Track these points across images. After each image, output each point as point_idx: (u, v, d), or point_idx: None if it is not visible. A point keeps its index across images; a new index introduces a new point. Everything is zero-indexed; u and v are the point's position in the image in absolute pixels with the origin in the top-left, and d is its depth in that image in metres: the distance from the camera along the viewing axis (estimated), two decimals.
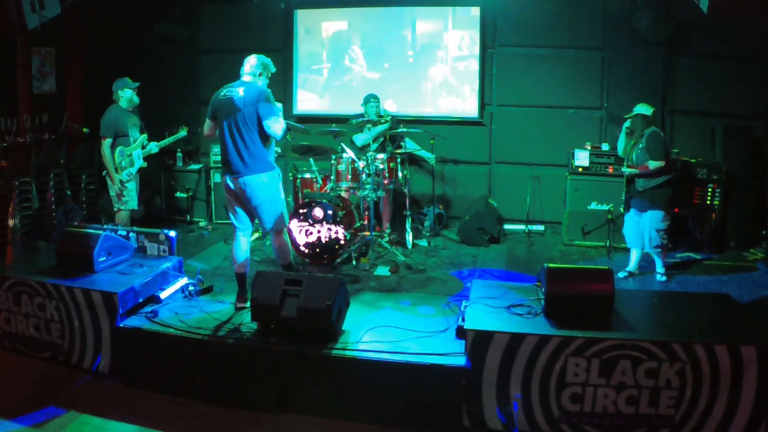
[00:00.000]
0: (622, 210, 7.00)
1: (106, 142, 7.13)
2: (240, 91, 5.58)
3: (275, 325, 4.93)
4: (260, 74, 5.79)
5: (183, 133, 7.95)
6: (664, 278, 6.80)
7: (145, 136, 7.44)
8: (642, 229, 6.79)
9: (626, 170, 6.79)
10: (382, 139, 8.29)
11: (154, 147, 7.48)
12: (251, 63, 5.79)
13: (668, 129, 8.53)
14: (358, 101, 8.51)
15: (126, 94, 7.28)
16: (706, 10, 7.19)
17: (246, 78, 5.72)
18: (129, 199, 7.31)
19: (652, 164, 6.52)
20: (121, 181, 7.17)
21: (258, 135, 5.54)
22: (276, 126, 5.53)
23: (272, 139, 5.68)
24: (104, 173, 7.31)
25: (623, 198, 6.95)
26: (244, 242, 5.80)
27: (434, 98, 9.32)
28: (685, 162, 7.88)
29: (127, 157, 7.22)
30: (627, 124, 6.81)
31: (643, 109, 6.67)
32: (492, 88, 9.17)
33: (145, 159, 7.41)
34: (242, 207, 5.70)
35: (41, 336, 5.46)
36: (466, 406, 4.47)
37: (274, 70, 5.97)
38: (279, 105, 5.73)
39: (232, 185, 5.60)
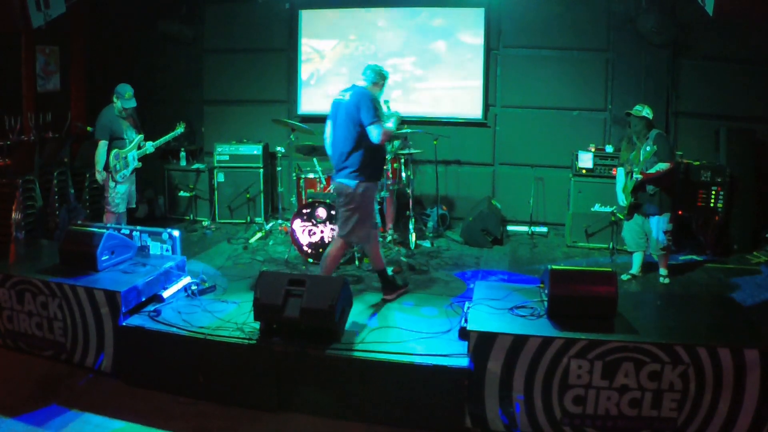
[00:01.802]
0: (622, 216, 6.91)
1: (102, 144, 7.14)
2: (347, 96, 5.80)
3: (278, 325, 4.92)
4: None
5: (180, 129, 7.90)
6: (667, 280, 6.79)
7: (141, 136, 7.43)
8: (647, 232, 6.76)
9: (637, 176, 6.57)
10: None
11: (149, 147, 7.46)
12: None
13: (672, 131, 8.51)
14: None
15: (116, 105, 7.21)
16: (711, 12, 7.17)
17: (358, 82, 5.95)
18: (120, 202, 7.31)
19: (660, 166, 6.49)
20: (114, 181, 7.19)
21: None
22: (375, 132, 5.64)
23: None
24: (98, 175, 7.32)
25: (626, 204, 6.80)
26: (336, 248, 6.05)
27: (438, 99, 9.31)
28: (689, 164, 7.87)
29: (122, 159, 7.21)
30: (625, 152, 6.76)
31: (646, 111, 6.65)
32: (496, 89, 9.16)
33: (144, 159, 7.41)
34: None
35: (44, 334, 5.47)
36: (468, 407, 4.47)
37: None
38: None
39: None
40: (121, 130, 7.25)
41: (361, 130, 5.66)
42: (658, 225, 6.65)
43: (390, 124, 5.78)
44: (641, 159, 6.56)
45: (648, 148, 6.52)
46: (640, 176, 6.55)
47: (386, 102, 8.41)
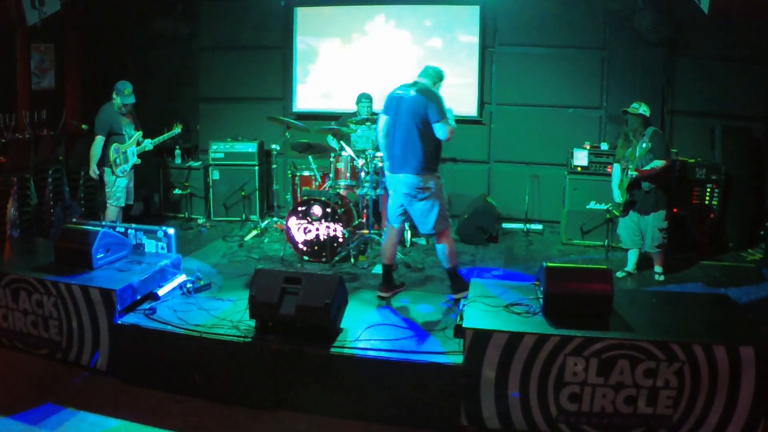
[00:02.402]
0: (617, 213, 6.94)
1: (99, 139, 7.20)
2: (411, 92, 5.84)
3: (274, 322, 4.92)
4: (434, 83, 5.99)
5: (177, 130, 7.97)
6: (662, 278, 6.80)
7: (140, 132, 7.47)
8: (643, 230, 6.77)
9: (633, 173, 6.62)
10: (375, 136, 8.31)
11: (148, 144, 7.53)
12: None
13: (668, 129, 8.53)
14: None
15: (116, 102, 7.27)
16: (706, 11, 7.18)
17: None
18: (121, 196, 7.38)
19: (656, 163, 6.50)
20: (115, 175, 7.22)
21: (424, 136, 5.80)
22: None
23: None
24: (97, 171, 7.36)
25: (621, 201, 6.84)
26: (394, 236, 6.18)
27: None
28: (684, 162, 7.88)
29: (122, 154, 7.25)
30: (620, 162, 6.77)
31: (643, 108, 6.65)
32: (492, 87, 9.16)
33: (141, 156, 7.44)
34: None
35: (39, 333, 5.46)
36: (464, 405, 4.47)
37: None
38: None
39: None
40: (120, 126, 7.30)
41: (427, 126, 5.75)
42: (653, 222, 6.67)
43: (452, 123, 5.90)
44: (637, 156, 6.57)
45: (644, 146, 6.53)
46: (635, 173, 6.57)
47: (370, 104, 8.45)
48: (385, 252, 6.17)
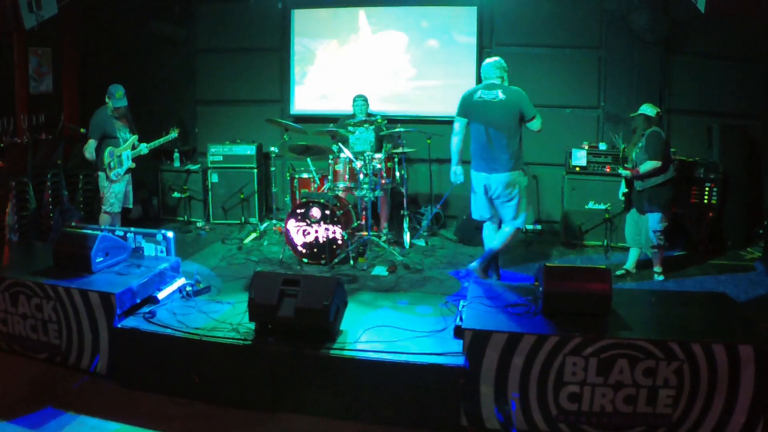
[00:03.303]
0: (623, 207, 7.02)
1: (91, 142, 7.17)
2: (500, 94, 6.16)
3: (273, 325, 4.92)
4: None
5: (173, 134, 7.94)
6: (661, 278, 6.81)
7: (135, 136, 7.43)
8: (641, 229, 6.80)
9: (623, 171, 6.80)
10: (373, 138, 8.34)
11: (144, 148, 7.47)
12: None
13: (665, 128, 8.51)
14: None
15: (108, 105, 7.24)
16: (703, 10, 7.19)
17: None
18: (115, 201, 7.31)
19: (647, 164, 6.52)
20: (109, 179, 7.20)
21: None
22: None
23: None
24: (96, 172, 7.36)
25: (621, 197, 6.96)
26: (492, 230, 6.52)
27: (431, 97, 9.31)
28: (682, 161, 7.89)
29: (116, 157, 7.22)
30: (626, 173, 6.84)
31: (647, 109, 6.67)
32: None
33: (138, 159, 7.42)
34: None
35: (38, 337, 5.45)
36: (463, 406, 4.47)
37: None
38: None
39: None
40: (114, 129, 7.26)
41: (518, 124, 6.16)
42: (648, 223, 6.69)
43: None
44: (633, 156, 6.64)
45: (640, 145, 6.58)
46: (626, 173, 6.75)
47: (365, 104, 8.49)
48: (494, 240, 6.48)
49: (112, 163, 7.20)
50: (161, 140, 7.74)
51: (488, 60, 6.39)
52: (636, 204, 6.79)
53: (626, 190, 6.90)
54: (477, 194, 6.41)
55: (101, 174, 7.28)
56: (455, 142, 6.40)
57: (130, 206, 7.72)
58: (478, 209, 6.48)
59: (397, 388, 4.60)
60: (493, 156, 6.16)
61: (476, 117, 6.22)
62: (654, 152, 6.51)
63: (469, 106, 6.28)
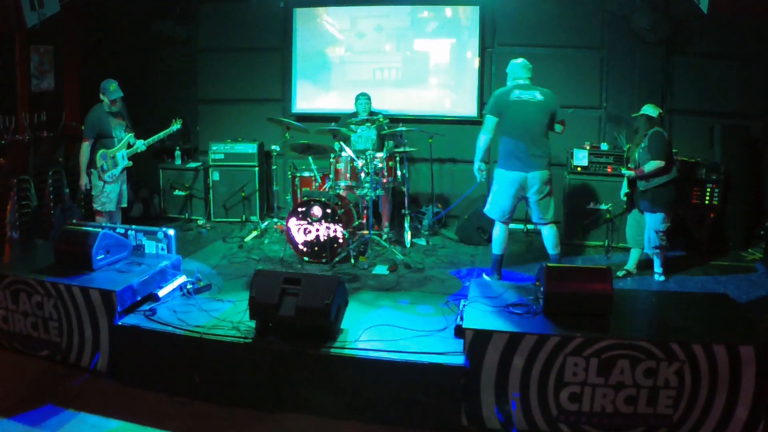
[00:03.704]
0: (624, 207, 7.01)
1: (85, 145, 7.11)
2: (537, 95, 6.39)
3: (274, 323, 4.92)
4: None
5: (176, 126, 7.66)
6: (662, 278, 6.80)
7: (131, 135, 7.35)
8: (642, 229, 6.79)
9: (626, 172, 6.80)
10: (375, 137, 8.34)
11: (141, 145, 7.35)
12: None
13: (667, 129, 8.49)
14: None
15: (104, 101, 7.17)
16: (705, 10, 7.19)
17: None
18: (107, 201, 7.26)
19: (651, 164, 6.51)
20: (103, 180, 7.18)
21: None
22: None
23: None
24: (87, 180, 7.30)
25: (623, 197, 6.96)
26: (505, 231, 6.62)
27: (433, 97, 9.31)
28: (683, 162, 7.87)
29: (110, 159, 7.17)
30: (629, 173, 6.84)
31: (649, 109, 6.67)
32: (491, 88, 9.13)
33: (139, 158, 7.37)
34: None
35: (39, 334, 5.45)
36: (464, 406, 4.47)
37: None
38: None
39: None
40: (110, 128, 7.19)
41: (551, 124, 6.46)
42: (650, 223, 6.68)
43: None
44: (636, 156, 6.65)
45: (642, 145, 6.58)
46: (629, 172, 6.74)
47: (368, 102, 8.50)
48: (504, 245, 6.62)
49: (105, 165, 7.13)
50: (161, 134, 7.51)
51: (517, 60, 6.57)
52: (638, 204, 6.79)
53: (628, 190, 6.88)
54: (505, 193, 6.46)
55: (94, 172, 7.20)
56: (484, 139, 6.48)
57: (125, 205, 7.65)
58: (503, 208, 6.51)
59: (398, 387, 4.60)
60: (533, 154, 6.31)
61: (512, 116, 6.33)
62: (657, 152, 6.50)
63: (504, 105, 6.36)
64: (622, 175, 6.96)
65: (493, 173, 6.69)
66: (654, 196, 6.62)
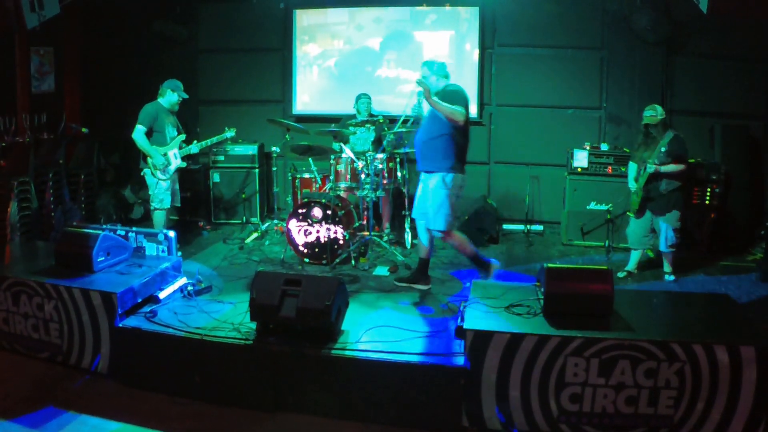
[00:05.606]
0: (631, 214, 6.91)
1: (140, 129, 7.18)
2: None
3: (274, 324, 4.92)
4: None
5: (230, 133, 8.00)
6: (672, 278, 6.79)
7: (182, 136, 7.50)
8: (657, 229, 6.74)
9: (650, 167, 6.56)
10: (375, 138, 8.34)
11: (194, 147, 7.55)
12: None
13: None
14: None
15: (172, 98, 7.37)
16: (705, 10, 7.19)
17: None
18: (164, 198, 7.36)
19: (674, 167, 6.48)
20: (156, 177, 7.27)
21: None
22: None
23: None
24: (142, 173, 7.39)
25: (633, 201, 6.82)
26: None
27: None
28: None
29: (163, 156, 7.24)
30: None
31: (661, 111, 6.63)
32: (491, 88, 9.17)
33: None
34: None
35: (40, 336, 5.45)
36: (465, 406, 4.47)
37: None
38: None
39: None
40: (163, 125, 7.32)
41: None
42: (669, 222, 6.65)
43: None
44: (655, 156, 6.54)
45: (663, 149, 6.51)
46: (653, 167, 6.54)
47: (369, 103, 8.51)
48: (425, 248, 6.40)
49: (158, 162, 7.24)
50: (215, 138, 7.82)
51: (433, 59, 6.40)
52: (656, 206, 6.71)
53: (642, 194, 6.71)
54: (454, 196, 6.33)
55: (147, 171, 7.32)
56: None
57: (178, 204, 7.74)
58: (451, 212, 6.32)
59: (399, 388, 4.60)
60: None
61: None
62: (681, 156, 6.52)
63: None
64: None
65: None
66: (673, 196, 6.61)
